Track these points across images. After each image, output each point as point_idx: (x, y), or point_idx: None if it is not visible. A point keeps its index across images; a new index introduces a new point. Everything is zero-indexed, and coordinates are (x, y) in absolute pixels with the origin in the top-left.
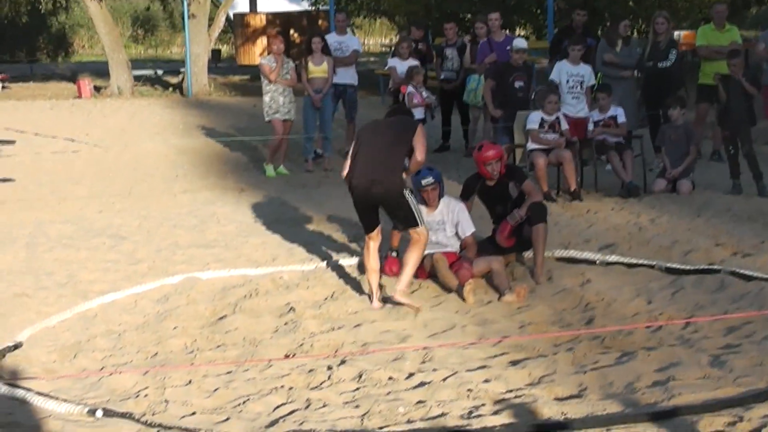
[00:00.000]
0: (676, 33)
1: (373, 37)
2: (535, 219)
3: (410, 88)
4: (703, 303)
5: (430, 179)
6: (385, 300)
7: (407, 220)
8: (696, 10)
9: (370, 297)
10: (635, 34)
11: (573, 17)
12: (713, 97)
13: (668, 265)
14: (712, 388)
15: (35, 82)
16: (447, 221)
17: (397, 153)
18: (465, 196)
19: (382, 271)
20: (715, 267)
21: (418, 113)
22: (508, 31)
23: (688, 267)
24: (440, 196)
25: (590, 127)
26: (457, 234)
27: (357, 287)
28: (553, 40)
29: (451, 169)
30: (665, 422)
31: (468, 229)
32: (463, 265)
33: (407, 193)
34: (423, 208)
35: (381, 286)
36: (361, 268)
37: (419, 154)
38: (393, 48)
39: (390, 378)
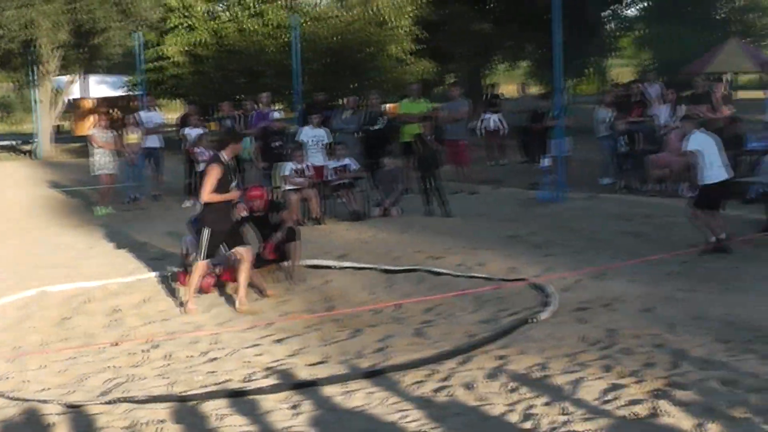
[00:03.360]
0: (385, 105)
1: (175, 113)
2: (290, 238)
3: (199, 149)
4: (409, 292)
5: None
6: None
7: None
8: (399, 89)
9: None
10: (358, 107)
11: (314, 96)
12: (413, 149)
13: (384, 267)
14: (416, 351)
15: None
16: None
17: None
18: (241, 223)
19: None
20: (416, 267)
21: (203, 166)
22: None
23: (397, 268)
24: None
25: (326, 172)
26: None
27: (165, 293)
28: (303, 112)
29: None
30: (383, 377)
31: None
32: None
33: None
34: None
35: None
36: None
37: (201, 190)
38: (182, 120)
39: (189, 356)
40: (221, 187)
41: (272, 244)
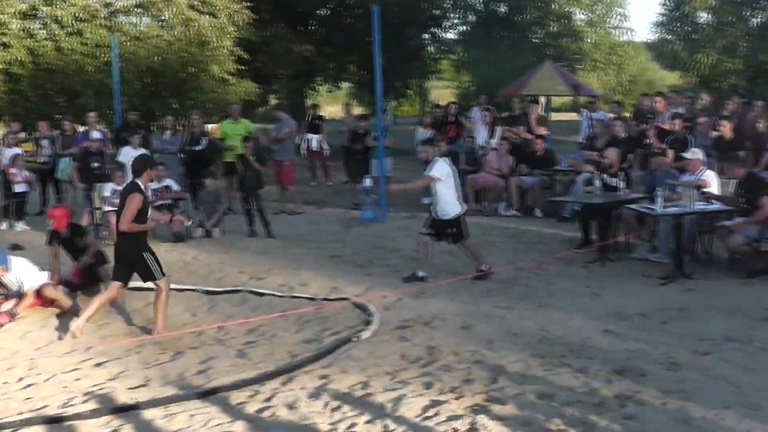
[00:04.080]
0: (207, 126)
1: None
2: (99, 262)
3: (14, 169)
4: (231, 313)
5: None
6: None
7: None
8: (222, 110)
9: None
10: (180, 127)
11: (127, 115)
12: (235, 170)
13: (206, 288)
14: (239, 372)
15: None
16: (14, 280)
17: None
18: (51, 243)
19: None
20: (239, 288)
21: (23, 187)
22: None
23: (220, 289)
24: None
25: (147, 193)
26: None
27: None
28: (117, 132)
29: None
30: (205, 399)
31: (27, 284)
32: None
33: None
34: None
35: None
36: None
37: (121, 218)
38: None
39: (4, 382)
40: (141, 215)
41: (77, 268)
